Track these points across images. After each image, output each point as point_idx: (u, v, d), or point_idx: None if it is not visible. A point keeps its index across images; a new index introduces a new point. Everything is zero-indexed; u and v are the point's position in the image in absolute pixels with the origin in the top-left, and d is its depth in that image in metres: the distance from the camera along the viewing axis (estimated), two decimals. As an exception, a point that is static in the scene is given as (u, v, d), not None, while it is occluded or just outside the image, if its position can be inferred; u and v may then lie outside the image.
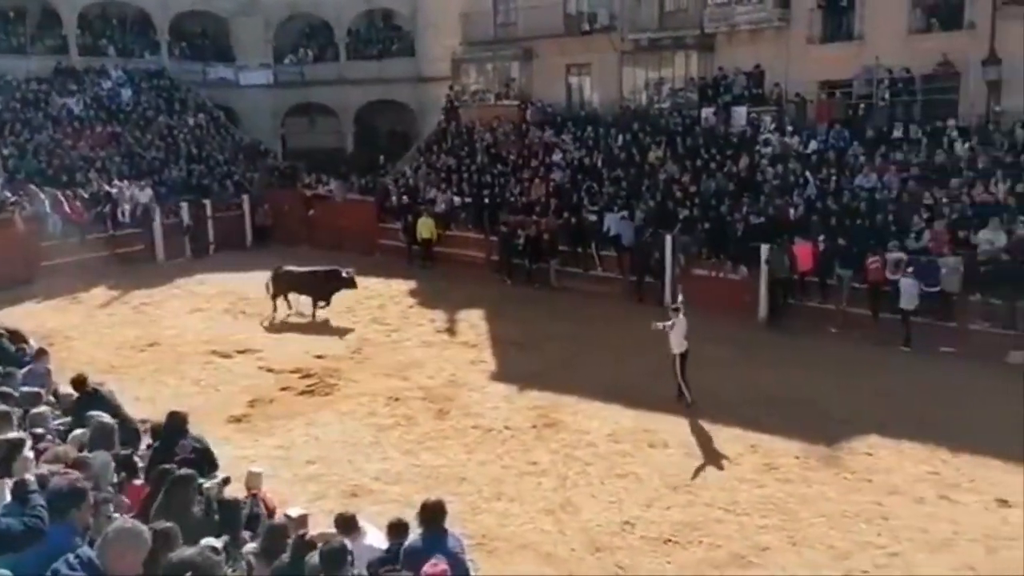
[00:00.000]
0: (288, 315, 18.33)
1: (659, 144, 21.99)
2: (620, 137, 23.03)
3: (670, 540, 9.16)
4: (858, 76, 19.95)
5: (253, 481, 7.30)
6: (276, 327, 17.74)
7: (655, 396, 13.05)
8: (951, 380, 13.62)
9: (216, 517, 6.00)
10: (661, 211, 19.60)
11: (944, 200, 16.45)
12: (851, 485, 10.42)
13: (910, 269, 15.28)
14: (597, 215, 20.43)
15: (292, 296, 18.50)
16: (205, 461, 7.21)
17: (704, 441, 11.74)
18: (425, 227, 22.94)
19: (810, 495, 10.16)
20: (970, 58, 18.43)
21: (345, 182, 27.15)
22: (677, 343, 12.84)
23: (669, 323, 12.92)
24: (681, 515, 9.68)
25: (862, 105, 19.78)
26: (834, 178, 18.41)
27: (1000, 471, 10.57)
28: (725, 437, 11.78)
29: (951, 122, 18.21)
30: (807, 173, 18.80)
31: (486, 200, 22.85)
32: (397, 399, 13.40)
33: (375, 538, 6.34)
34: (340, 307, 19.08)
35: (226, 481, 6.68)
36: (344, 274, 18.47)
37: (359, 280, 18.83)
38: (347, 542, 5.51)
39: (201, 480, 6.27)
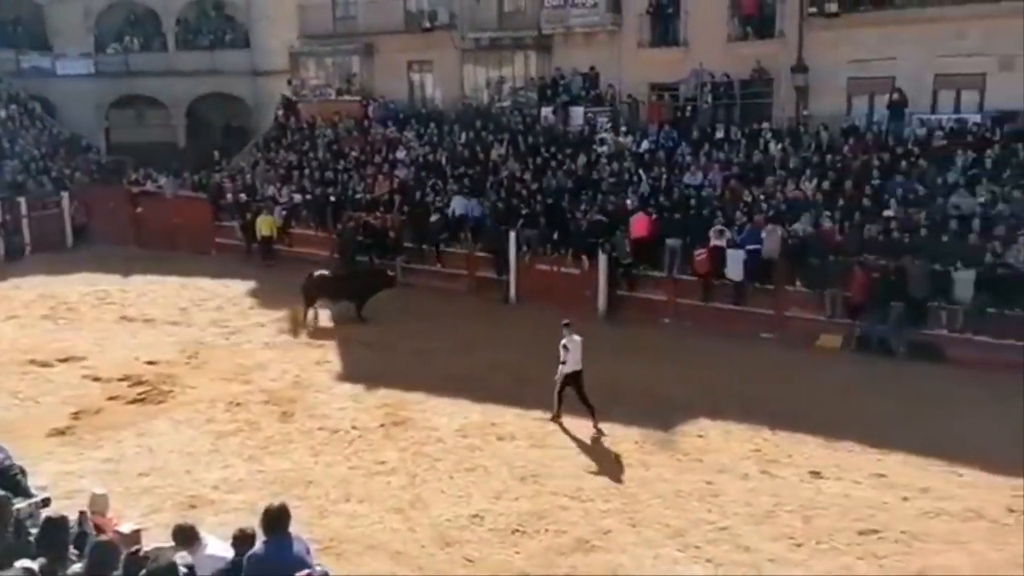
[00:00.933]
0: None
1: (501, 142, 22.35)
2: (463, 135, 23.22)
3: (518, 530, 9.40)
4: (684, 80, 21.07)
5: (97, 504, 6.82)
6: (102, 332, 16.70)
7: (502, 390, 13.30)
8: (771, 364, 14.68)
9: (30, 539, 5.61)
10: (505, 208, 19.96)
11: (761, 196, 17.67)
12: (684, 466, 11.05)
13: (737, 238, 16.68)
14: (440, 205, 20.64)
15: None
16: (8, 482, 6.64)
17: (550, 432, 12.09)
18: (265, 224, 22.31)
19: (648, 478, 10.70)
20: (781, 65, 19.89)
21: (177, 178, 25.88)
22: (573, 361, 12.15)
23: (563, 343, 12.20)
24: (529, 505, 9.95)
25: (688, 107, 20.92)
26: (664, 176, 19.37)
27: (814, 446, 11.53)
28: (569, 426, 12.19)
29: (766, 124, 19.60)
30: (640, 171, 19.68)
31: (330, 198, 22.45)
32: (238, 404, 12.97)
33: (218, 548, 6.14)
34: (173, 309, 18.23)
35: (45, 502, 6.27)
36: (390, 272, 18.35)
37: (200, 282, 18.04)
38: (184, 555, 5.30)
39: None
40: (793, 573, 8.62)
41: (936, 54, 18.08)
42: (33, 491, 6.76)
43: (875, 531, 9.34)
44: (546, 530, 9.41)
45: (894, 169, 17.05)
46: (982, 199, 15.63)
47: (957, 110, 18.06)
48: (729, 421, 12.25)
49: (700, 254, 16.90)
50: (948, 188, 16.24)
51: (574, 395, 12.19)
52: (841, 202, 16.77)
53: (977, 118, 17.50)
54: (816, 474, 10.75)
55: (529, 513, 9.75)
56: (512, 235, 18.95)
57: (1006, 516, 9.65)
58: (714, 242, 16.84)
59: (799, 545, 9.13)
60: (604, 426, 12.08)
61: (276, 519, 5.35)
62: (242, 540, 5.79)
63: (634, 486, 10.49)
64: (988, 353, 14.18)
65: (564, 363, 12.14)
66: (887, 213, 16.03)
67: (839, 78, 19.34)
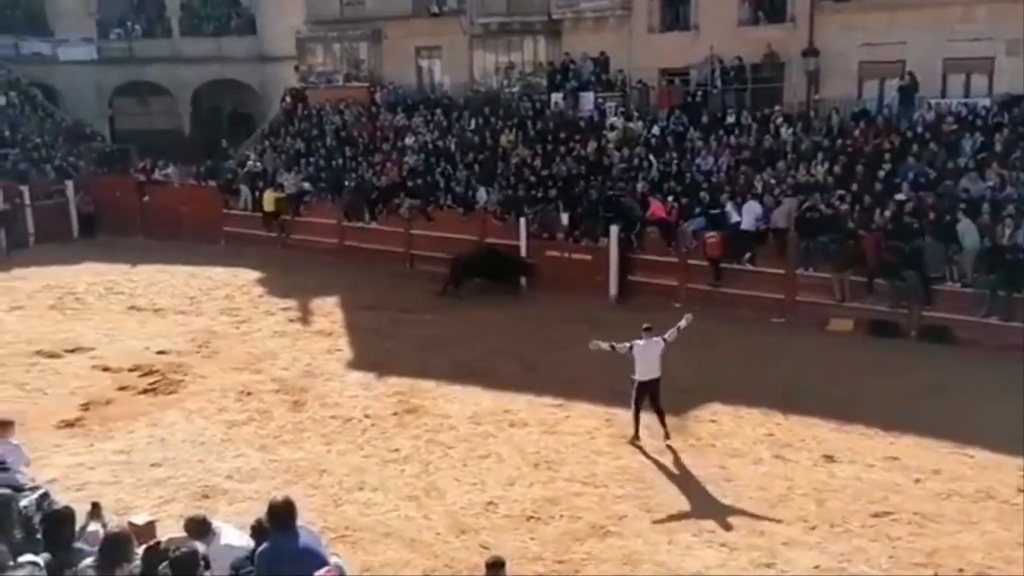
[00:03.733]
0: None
1: (511, 128, 22.29)
2: (472, 121, 23.15)
3: (532, 516, 9.43)
4: (695, 65, 20.95)
5: (145, 532, 6.67)
6: (110, 322, 16.74)
7: (513, 377, 13.31)
8: (783, 348, 14.67)
9: (39, 535, 5.58)
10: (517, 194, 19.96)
11: (772, 181, 17.60)
12: (698, 451, 11.06)
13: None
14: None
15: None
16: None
17: (562, 418, 12.10)
18: (269, 201, 22.43)
19: (661, 463, 10.71)
20: (792, 49, 19.77)
21: (184, 167, 25.88)
22: (645, 369, 11.01)
23: (627, 345, 11.04)
24: (542, 491, 9.97)
25: (699, 92, 20.81)
26: (675, 161, 19.29)
27: (827, 429, 11.51)
28: (581, 412, 12.20)
29: (777, 109, 19.50)
30: (651, 156, 19.61)
31: (346, 184, 22.49)
32: (249, 393, 13.00)
33: (234, 537, 6.14)
34: (182, 298, 18.28)
35: (44, 496, 6.25)
36: (529, 260, 18.52)
37: (209, 271, 18.05)
38: (200, 546, 5.30)
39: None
40: (807, 556, 8.63)
41: (945, 38, 18.04)
42: (32, 484, 6.74)
43: (888, 513, 9.34)
44: (561, 516, 9.44)
45: (905, 153, 16.96)
46: (991, 182, 15.54)
47: (967, 94, 18.03)
48: (741, 406, 12.24)
49: (711, 237, 16.86)
50: (958, 171, 16.12)
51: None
52: (854, 186, 16.69)
53: (986, 102, 17.46)
54: (829, 458, 10.75)
55: (543, 499, 9.77)
56: (523, 221, 18.95)
57: (1016, 496, 9.64)
58: (731, 214, 17.01)
59: (813, 528, 9.14)
60: (615, 411, 12.05)
61: (282, 513, 5.24)
62: (261, 531, 5.78)
63: (649, 472, 10.50)
64: (997, 336, 14.19)
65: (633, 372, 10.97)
66: (899, 197, 15.94)
67: (850, 62, 19.27)
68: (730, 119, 19.82)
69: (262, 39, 32.37)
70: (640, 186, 18.76)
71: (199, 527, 5.92)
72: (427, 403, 12.60)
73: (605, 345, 11.05)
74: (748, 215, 16.92)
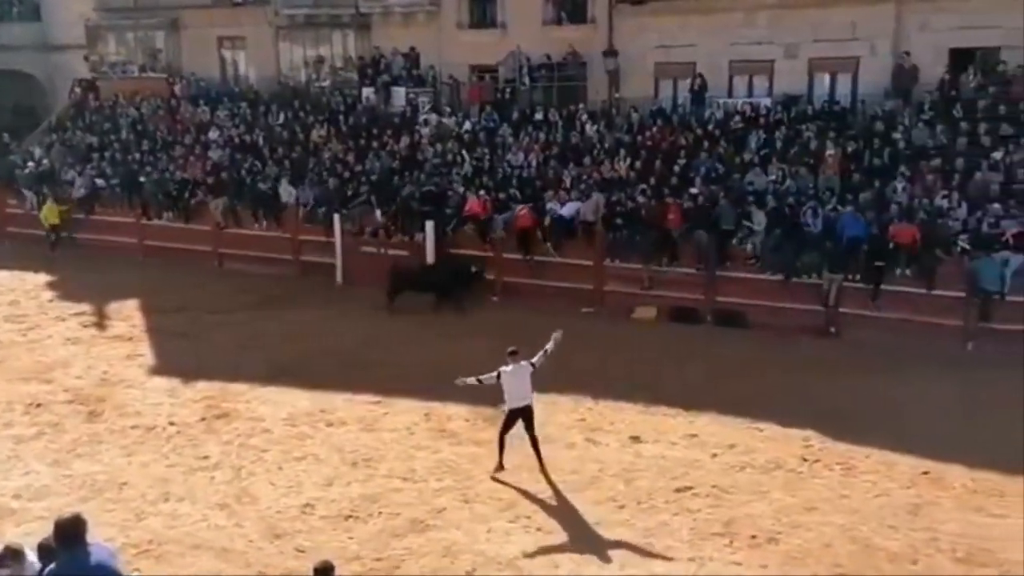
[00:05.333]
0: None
1: (322, 123, 21.83)
2: (281, 115, 22.47)
3: (351, 516, 9.33)
4: (502, 62, 21.40)
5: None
6: None
7: (331, 376, 13.08)
8: (592, 337, 15.25)
9: None
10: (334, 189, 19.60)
11: (581, 176, 18.30)
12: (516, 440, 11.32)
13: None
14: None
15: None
16: None
17: (381, 415, 12.03)
18: (51, 213, 20.76)
19: (480, 454, 10.89)
20: (594, 49, 20.63)
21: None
22: (515, 396, 10.23)
23: (493, 375, 10.25)
24: (361, 489, 9.89)
25: (508, 89, 21.28)
26: (487, 156, 19.63)
27: (633, 412, 12.15)
28: (400, 409, 12.18)
29: (581, 106, 20.30)
30: (464, 152, 19.83)
31: (142, 179, 21.13)
32: (39, 405, 12.07)
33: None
34: (-41, 307, 16.59)
35: None
36: (474, 269, 17.23)
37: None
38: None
39: None
40: (616, 533, 9.08)
41: (730, 42, 19.43)
42: None
43: (689, 488, 9.99)
44: (380, 513, 9.40)
45: (698, 149, 18.15)
46: (773, 176, 16.95)
47: (750, 94, 19.50)
48: (553, 393, 12.55)
49: (522, 209, 17.37)
50: (745, 166, 17.47)
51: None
52: (652, 180, 17.66)
53: (767, 102, 18.96)
54: (636, 439, 11.35)
55: (362, 497, 9.69)
56: (336, 218, 18.63)
57: (800, 465, 10.60)
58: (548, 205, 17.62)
59: (622, 507, 9.62)
60: (433, 405, 12.13)
61: (69, 531, 4.99)
62: (48, 551, 5.41)
63: (466, 463, 10.65)
64: (787, 318, 15.45)
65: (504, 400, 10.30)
66: (692, 190, 17.06)
67: (646, 63, 20.33)
68: (538, 116, 20.41)
69: (47, 26, 29.68)
70: (454, 181, 18.94)
71: (15, 554, 5.48)
72: (239, 407, 12.14)
73: (471, 380, 10.31)
74: (567, 209, 17.49)
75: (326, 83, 23.57)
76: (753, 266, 15.94)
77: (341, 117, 21.91)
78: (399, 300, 16.75)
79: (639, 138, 19.03)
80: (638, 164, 18.22)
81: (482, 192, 18.27)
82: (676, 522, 9.30)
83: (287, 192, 19.76)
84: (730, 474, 10.39)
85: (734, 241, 16.13)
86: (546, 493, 9.92)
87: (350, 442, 11.17)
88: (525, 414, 10.27)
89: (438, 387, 12.43)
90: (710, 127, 18.70)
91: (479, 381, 10.29)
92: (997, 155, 15.67)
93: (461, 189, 18.71)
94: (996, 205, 14.78)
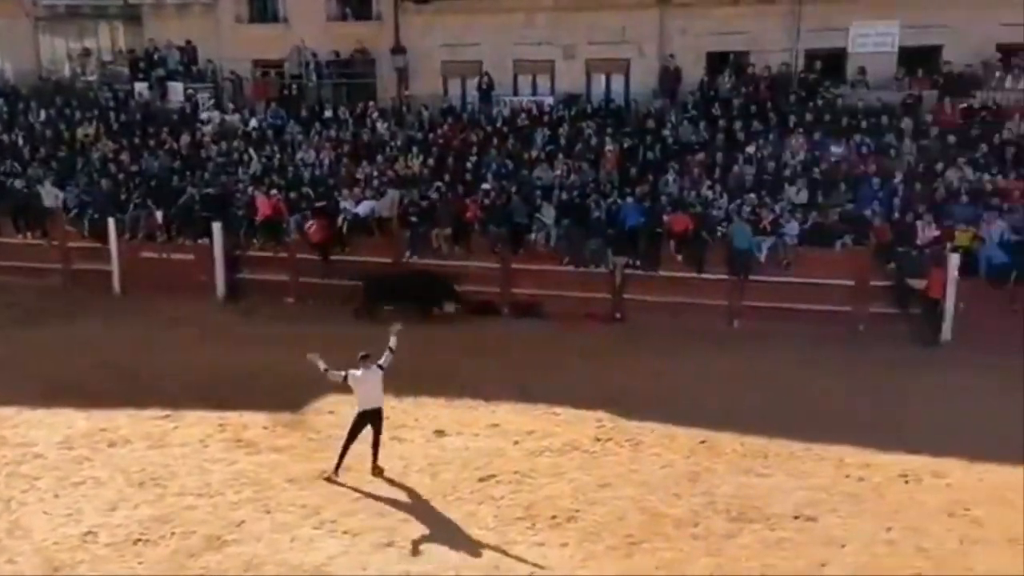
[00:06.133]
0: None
1: (90, 120, 20.23)
2: (43, 112, 20.60)
3: (140, 539, 8.82)
4: (287, 57, 20.84)
5: None
6: None
7: (111, 392, 12.27)
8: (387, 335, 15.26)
9: None
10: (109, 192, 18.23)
11: (374, 173, 18.21)
12: (317, 444, 11.14)
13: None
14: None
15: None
16: None
17: (170, 430, 11.41)
18: None
19: (280, 461, 10.63)
20: (382, 46, 20.56)
21: None
22: (366, 399, 10.24)
23: (341, 374, 10.20)
24: (151, 511, 9.36)
25: (295, 85, 20.75)
26: (277, 155, 19.05)
27: (436, 407, 12.32)
28: (191, 421, 11.62)
29: (372, 103, 20.18)
30: (251, 150, 19.12)
31: None
32: None
33: None
34: None
35: None
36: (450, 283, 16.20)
37: None
38: None
39: None
40: (422, 528, 9.19)
41: (513, 42, 20.02)
42: None
43: (492, 476, 10.29)
44: (172, 534, 8.94)
45: (488, 146, 18.60)
46: (559, 171, 17.72)
47: (534, 92, 20.19)
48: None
49: (311, 225, 16.98)
50: (532, 162, 18.12)
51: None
52: (447, 177, 17.90)
53: (551, 100, 19.73)
54: (440, 432, 11.52)
55: (152, 519, 9.17)
56: (111, 222, 17.40)
57: (594, 445, 11.22)
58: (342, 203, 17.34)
59: (428, 501, 9.76)
60: (230, 415, 11.69)
61: None
62: None
63: (266, 472, 10.35)
64: (577, 307, 16.19)
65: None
66: (484, 186, 17.48)
67: (434, 61, 20.51)
68: (327, 113, 20.06)
69: None
70: (241, 181, 18.22)
71: None
72: (6, 433, 11.12)
73: (321, 364, 10.14)
74: (363, 207, 17.33)
75: (93, 78, 21.84)
76: (547, 258, 16.60)
77: (112, 114, 20.40)
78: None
79: (431, 135, 19.19)
80: (431, 161, 18.39)
81: (273, 192, 17.72)
82: (481, 511, 9.56)
83: (51, 195, 18.17)
84: (530, 459, 10.81)
85: (531, 236, 16.67)
86: (352, 495, 9.85)
87: (136, 461, 10.51)
88: (375, 417, 10.28)
89: (233, 396, 12.01)
90: (498, 124, 19.19)
91: (325, 371, 10.16)
92: (751, 149, 17.29)
93: (250, 189, 18.03)
94: (752, 195, 16.31)
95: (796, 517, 9.32)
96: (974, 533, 8.97)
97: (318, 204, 17.44)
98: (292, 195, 17.80)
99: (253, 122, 20.04)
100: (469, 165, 18.10)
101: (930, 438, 10.70)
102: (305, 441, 11.22)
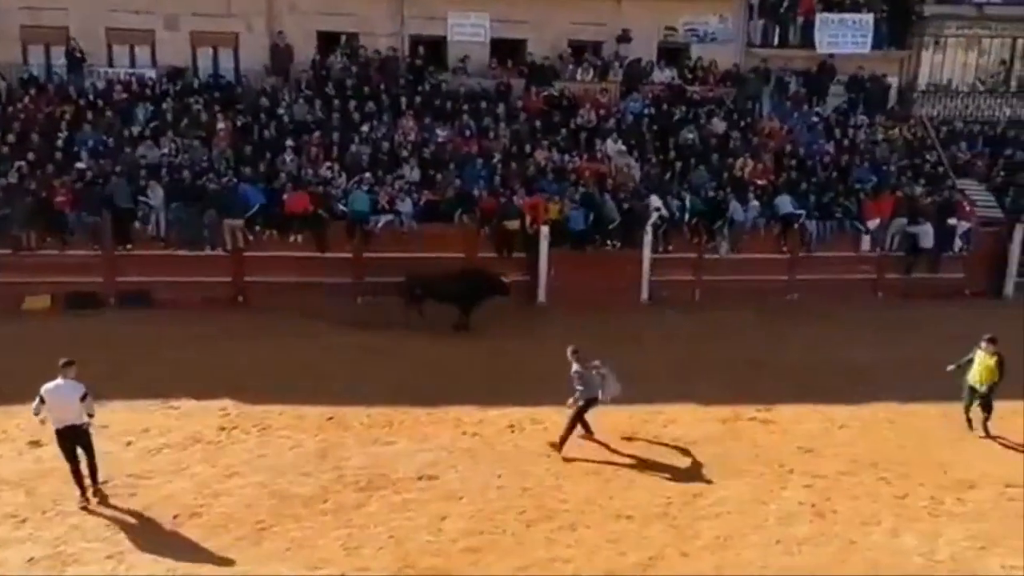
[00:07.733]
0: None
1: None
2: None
3: None
4: None
5: None
6: None
7: None
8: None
9: None
10: None
11: None
12: None
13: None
14: None
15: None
16: None
17: None
18: None
19: None
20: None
21: None
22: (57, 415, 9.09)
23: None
24: None
25: None
26: None
27: (28, 414, 10.78)
28: None
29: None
30: None
31: None
32: None
33: None
34: None
35: None
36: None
37: None
38: None
39: None
40: (22, 550, 8.22)
41: (107, 9, 18.29)
42: None
43: (104, 482, 9.37)
44: None
45: (80, 121, 16.79)
46: (166, 150, 16.58)
47: (133, 64, 18.66)
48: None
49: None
50: (135, 140, 16.73)
51: None
52: (30, 155, 15.80)
53: (152, 73, 18.37)
54: (35, 443, 10.25)
55: None
56: None
57: (218, 435, 10.84)
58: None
59: (24, 521, 8.76)
60: None
61: None
62: None
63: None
64: (194, 292, 15.54)
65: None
66: (79, 165, 15.81)
67: (12, 26, 18.03)
68: None
69: None
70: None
71: None
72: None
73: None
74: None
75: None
76: (157, 243, 15.60)
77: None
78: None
79: (10, 109, 16.85)
80: (11, 137, 16.12)
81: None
82: (89, 523, 8.78)
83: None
84: (147, 459, 10.16)
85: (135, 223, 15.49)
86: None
87: None
88: (77, 434, 9.12)
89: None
90: (92, 98, 17.41)
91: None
92: (365, 129, 17.70)
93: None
94: (368, 174, 16.76)
95: (420, 478, 9.89)
96: (565, 470, 10.27)
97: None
98: None
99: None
100: (60, 143, 16.20)
101: (529, 391, 11.95)
102: None
